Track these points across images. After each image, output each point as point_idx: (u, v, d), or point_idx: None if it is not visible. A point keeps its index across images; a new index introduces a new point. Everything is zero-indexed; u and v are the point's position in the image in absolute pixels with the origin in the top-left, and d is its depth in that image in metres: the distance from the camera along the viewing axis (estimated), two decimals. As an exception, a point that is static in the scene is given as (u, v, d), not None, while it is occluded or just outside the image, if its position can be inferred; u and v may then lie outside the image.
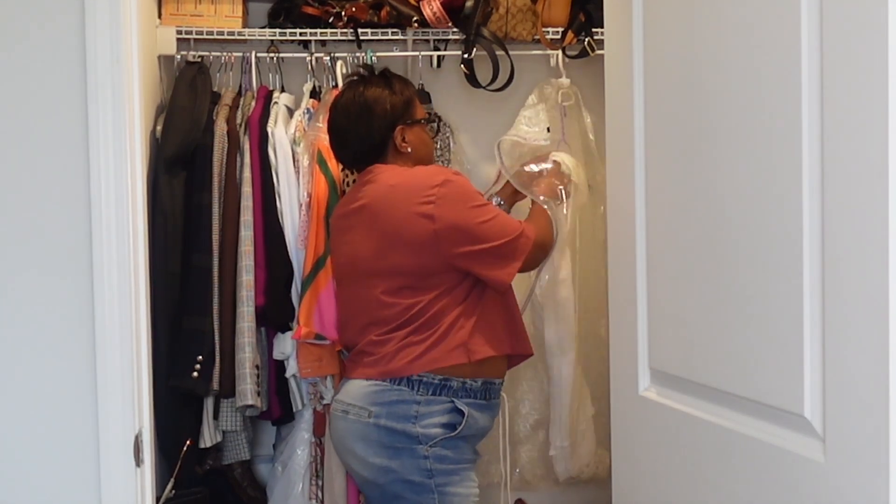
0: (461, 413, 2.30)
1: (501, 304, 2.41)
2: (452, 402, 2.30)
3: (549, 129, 3.08)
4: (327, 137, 2.71)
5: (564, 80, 3.12)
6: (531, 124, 3.10)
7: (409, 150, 2.46)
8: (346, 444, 2.35)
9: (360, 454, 2.32)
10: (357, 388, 2.34)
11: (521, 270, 2.40)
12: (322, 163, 2.80)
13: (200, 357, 2.74)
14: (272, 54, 3.11)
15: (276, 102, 2.96)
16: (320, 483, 2.90)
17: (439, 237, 2.28)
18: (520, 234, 2.33)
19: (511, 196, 2.69)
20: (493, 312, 2.38)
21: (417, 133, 2.49)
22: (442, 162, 3.17)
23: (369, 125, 2.44)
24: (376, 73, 2.54)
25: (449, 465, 2.29)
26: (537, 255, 2.42)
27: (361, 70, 2.58)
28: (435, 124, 2.68)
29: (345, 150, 2.52)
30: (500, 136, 3.33)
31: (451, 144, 3.20)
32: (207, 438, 2.85)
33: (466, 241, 2.29)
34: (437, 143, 3.18)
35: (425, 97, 3.13)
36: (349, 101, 2.47)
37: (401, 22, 3.05)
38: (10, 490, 1.72)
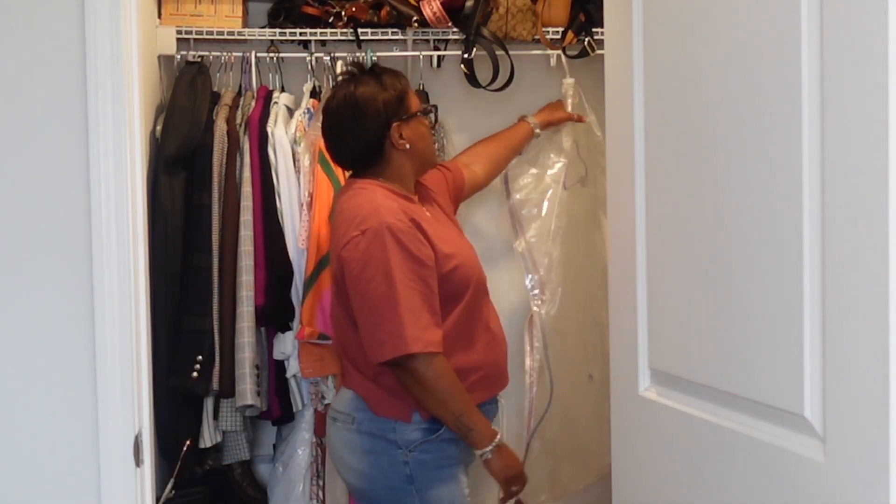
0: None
1: (467, 319, 2.30)
2: None
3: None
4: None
5: (569, 80, 3.11)
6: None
7: (408, 146, 2.31)
8: (335, 451, 2.37)
9: (347, 460, 2.33)
10: (346, 397, 2.35)
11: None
12: (324, 163, 2.80)
13: (200, 357, 2.74)
14: (272, 54, 3.11)
15: (276, 102, 2.96)
16: (321, 483, 2.91)
17: (344, 287, 2.24)
18: (417, 328, 2.11)
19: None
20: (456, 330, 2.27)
21: (415, 128, 2.34)
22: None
23: (363, 126, 2.29)
24: (366, 69, 2.40)
25: (430, 470, 2.24)
26: (417, 389, 2.17)
27: (351, 68, 2.42)
28: (433, 115, 2.49)
29: (341, 153, 2.39)
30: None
31: (445, 144, 3.19)
32: (207, 438, 2.85)
33: (354, 301, 2.21)
34: (435, 134, 3.14)
35: (423, 97, 3.13)
36: (340, 102, 2.32)
37: (401, 22, 3.05)
38: (10, 490, 1.72)
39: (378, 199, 2.24)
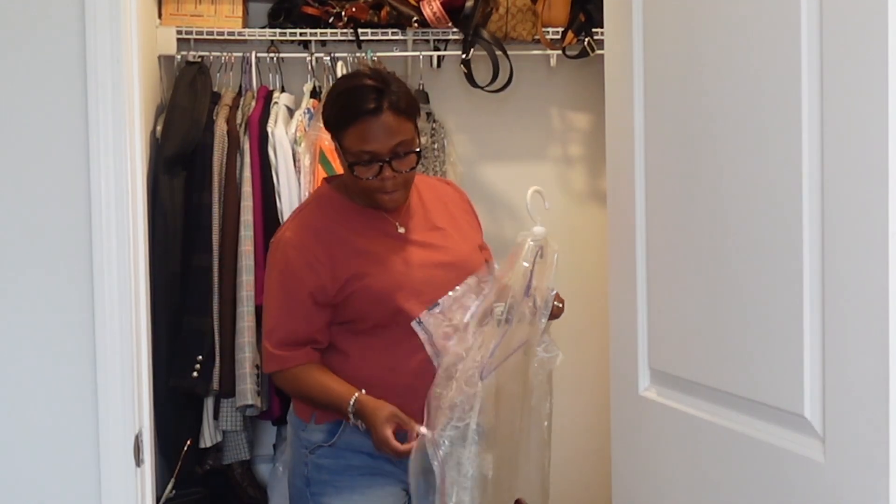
0: (340, 423, 2.11)
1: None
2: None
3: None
4: (328, 137, 2.70)
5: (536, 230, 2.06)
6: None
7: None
8: None
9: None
10: None
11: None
12: (325, 163, 2.80)
13: (200, 357, 2.75)
14: (272, 54, 3.12)
15: (276, 102, 2.97)
16: (320, 483, 2.90)
17: None
18: (269, 343, 2.12)
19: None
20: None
21: (342, 157, 2.13)
22: (436, 162, 3.16)
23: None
24: (380, 75, 2.13)
25: (324, 476, 2.13)
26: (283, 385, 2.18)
27: (371, 73, 2.15)
28: (358, 162, 2.08)
29: None
30: (499, 137, 3.29)
31: (445, 145, 3.19)
32: (207, 438, 2.85)
33: None
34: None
35: (423, 97, 3.13)
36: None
37: (401, 22, 3.05)
38: (10, 490, 1.72)
39: (301, 208, 2.27)
